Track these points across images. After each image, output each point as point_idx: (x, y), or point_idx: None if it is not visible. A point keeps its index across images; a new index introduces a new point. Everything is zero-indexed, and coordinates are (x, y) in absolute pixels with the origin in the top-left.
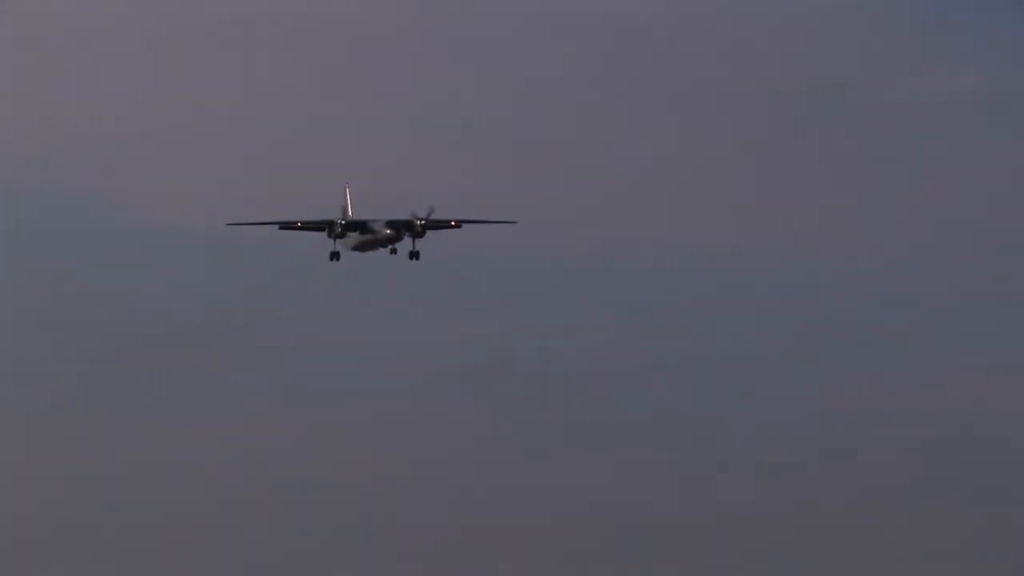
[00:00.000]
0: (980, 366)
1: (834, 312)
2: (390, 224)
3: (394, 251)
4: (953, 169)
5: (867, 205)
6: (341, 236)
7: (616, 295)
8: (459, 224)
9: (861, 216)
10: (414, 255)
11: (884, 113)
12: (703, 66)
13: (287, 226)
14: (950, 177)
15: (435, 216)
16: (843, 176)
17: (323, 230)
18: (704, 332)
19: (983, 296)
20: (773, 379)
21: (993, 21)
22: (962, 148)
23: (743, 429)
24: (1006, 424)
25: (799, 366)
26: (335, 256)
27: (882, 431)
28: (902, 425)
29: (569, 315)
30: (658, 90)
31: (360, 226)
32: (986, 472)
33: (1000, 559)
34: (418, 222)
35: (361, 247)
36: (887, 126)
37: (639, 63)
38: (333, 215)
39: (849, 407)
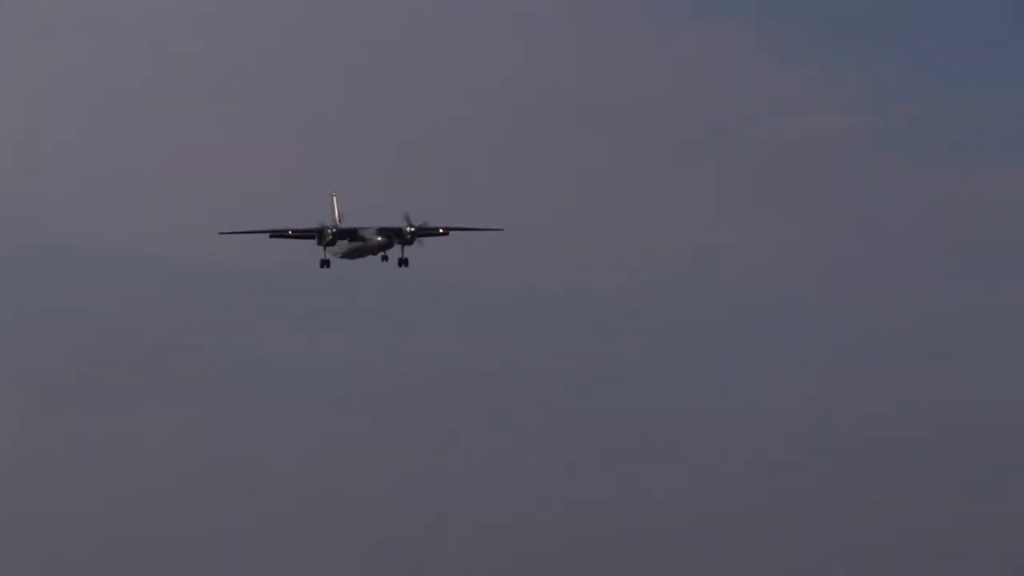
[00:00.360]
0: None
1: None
2: (381, 231)
3: (385, 258)
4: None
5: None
6: (331, 244)
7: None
8: (447, 231)
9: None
10: (403, 262)
11: (766, 150)
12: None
13: (278, 234)
14: (825, 210)
15: (425, 224)
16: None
17: (313, 238)
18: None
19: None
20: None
21: (871, 62)
22: (832, 184)
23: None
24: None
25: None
26: (325, 264)
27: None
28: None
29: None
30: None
31: (350, 234)
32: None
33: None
34: (408, 230)
35: (351, 254)
36: (769, 162)
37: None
38: (322, 224)
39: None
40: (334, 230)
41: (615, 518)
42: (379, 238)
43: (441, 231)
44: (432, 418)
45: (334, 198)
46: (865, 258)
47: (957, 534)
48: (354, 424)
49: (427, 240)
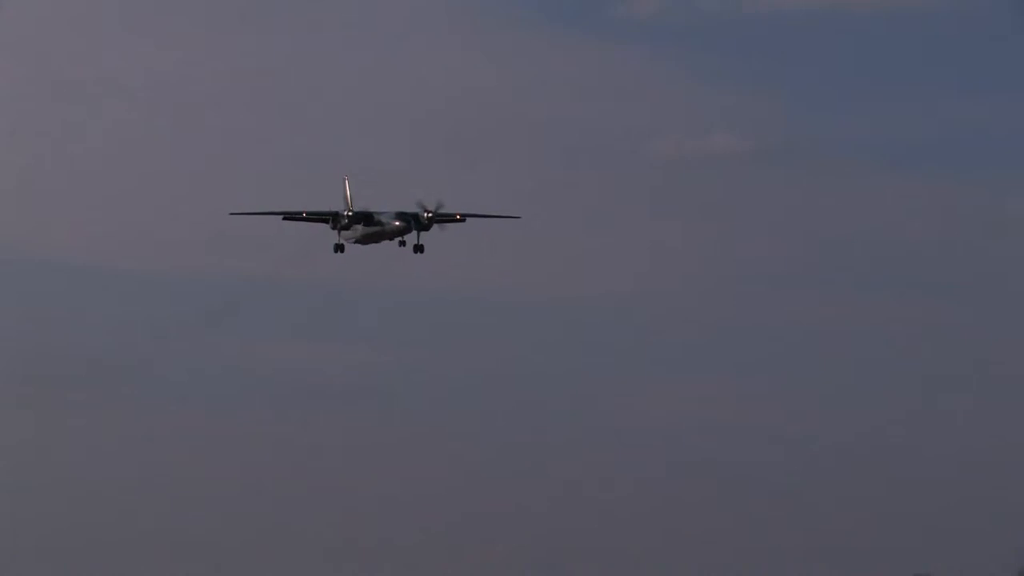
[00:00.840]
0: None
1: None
2: (399, 216)
3: (403, 243)
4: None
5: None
6: (346, 228)
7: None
8: (463, 218)
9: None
10: (419, 249)
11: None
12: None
13: (291, 216)
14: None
15: (442, 210)
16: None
17: (327, 221)
18: None
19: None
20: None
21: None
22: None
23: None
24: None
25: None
26: (339, 248)
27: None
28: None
29: None
30: None
31: (366, 218)
32: None
33: None
34: (425, 215)
35: (366, 239)
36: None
37: None
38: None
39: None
40: (350, 213)
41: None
42: (397, 223)
43: (458, 217)
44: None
45: (346, 182)
46: (760, 274)
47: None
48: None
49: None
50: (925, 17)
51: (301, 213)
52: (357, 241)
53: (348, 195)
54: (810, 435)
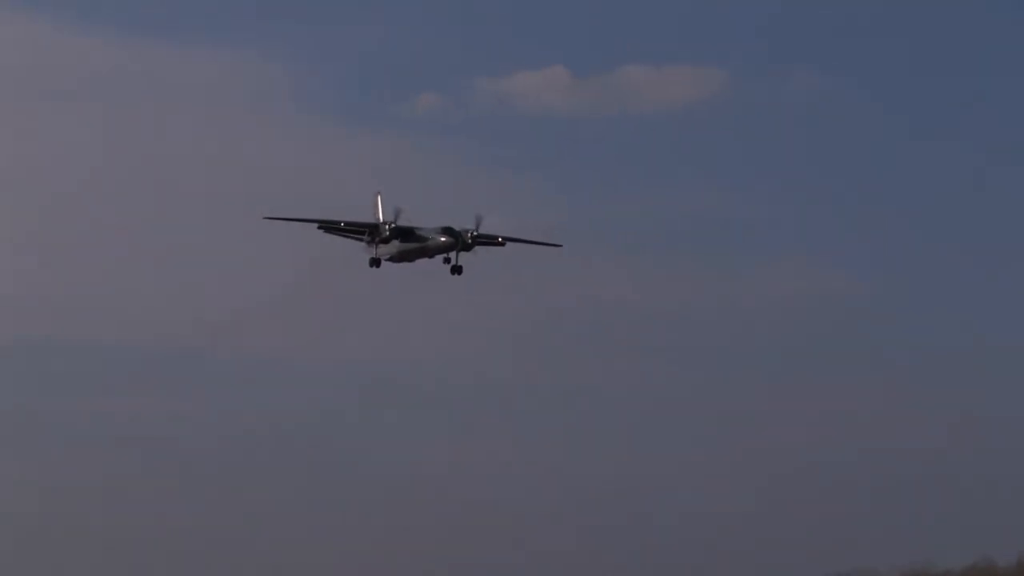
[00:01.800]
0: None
1: None
2: (447, 231)
3: (447, 260)
4: None
5: None
6: (386, 242)
7: None
8: (504, 242)
9: None
10: (456, 270)
11: None
12: None
13: (328, 225)
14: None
15: (482, 230)
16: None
17: (364, 234)
18: None
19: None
20: None
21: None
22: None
23: None
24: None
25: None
26: (375, 263)
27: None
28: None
29: None
30: None
31: (407, 233)
32: None
33: None
34: (471, 233)
35: (404, 256)
36: None
37: None
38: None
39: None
40: (392, 225)
41: None
42: (443, 238)
43: (500, 240)
44: None
45: (379, 197)
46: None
47: None
48: None
49: (481, 250)
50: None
51: (339, 223)
52: (392, 258)
53: (380, 211)
54: None
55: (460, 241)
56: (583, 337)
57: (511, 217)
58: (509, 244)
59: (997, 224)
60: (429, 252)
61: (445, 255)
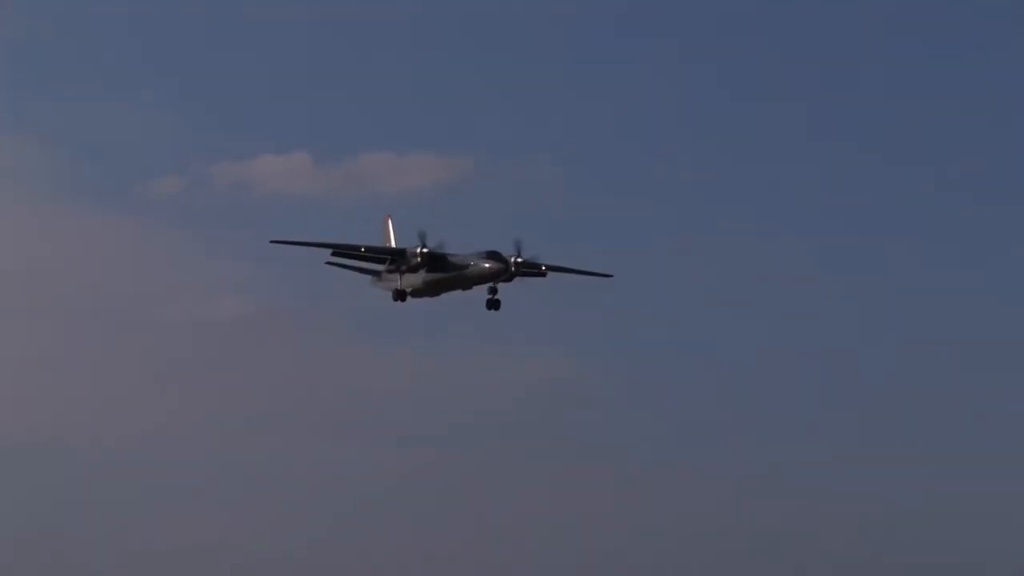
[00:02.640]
0: None
1: None
2: (492, 256)
3: (493, 291)
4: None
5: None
6: (415, 270)
7: None
8: (546, 271)
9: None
10: (494, 304)
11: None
12: None
13: (343, 251)
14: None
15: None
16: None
17: (385, 262)
18: None
19: None
20: None
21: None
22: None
23: None
24: None
25: None
26: (400, 296)
27: None
28: None
29: None
30: None
31: (439, 260)
32: None
33: None
34: (515, 260)
35: (435, 287)
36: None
37: None
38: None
39: None
40: (424, 251)
41: None
42: (487, 264)
43: (543, 269)
44: None
45: (389, 221)
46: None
47: None
48: None
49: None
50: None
51: (359, 248)
52: (416, 290)
53: (392, 237)
54: None
55: (509, 269)
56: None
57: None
58: (551, 274)
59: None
60: (468, 282)
61: (492, 284)
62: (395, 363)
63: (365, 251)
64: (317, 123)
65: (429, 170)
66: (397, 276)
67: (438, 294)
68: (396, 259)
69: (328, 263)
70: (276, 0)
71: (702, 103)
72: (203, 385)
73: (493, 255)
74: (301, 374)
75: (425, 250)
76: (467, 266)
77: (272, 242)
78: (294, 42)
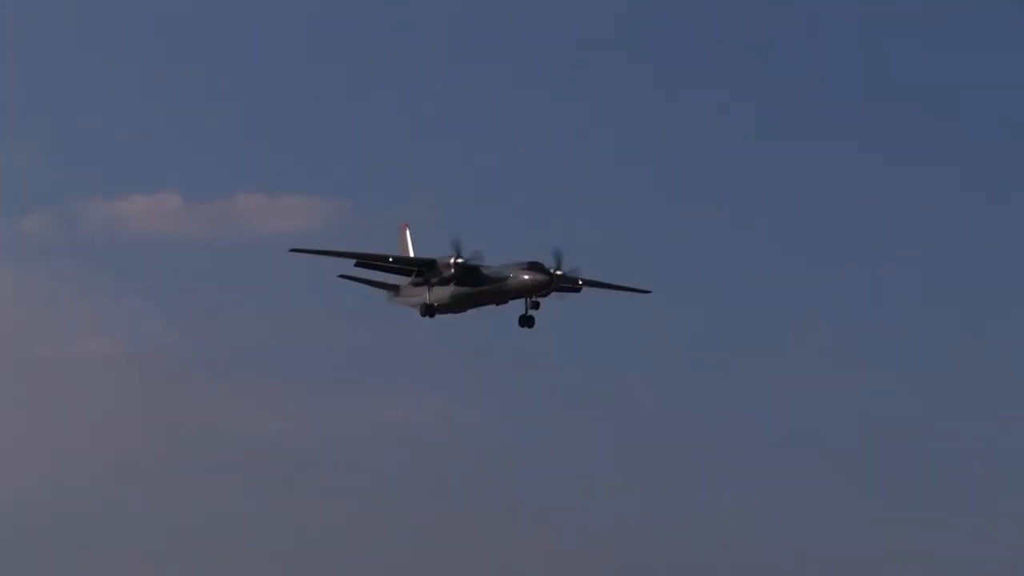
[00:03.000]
0: None
1: None
2: (535, 268)
3: (536, 306)
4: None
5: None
6: (446, 283)
7: None
8: (580, 286)
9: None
10: (528, 321)
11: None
12: None
13: (369, 261)
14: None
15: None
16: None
17: (411, 273)
18: None
19: None
20: None
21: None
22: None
23: None
24: None
25: None
26: (429, 311)
27: None
28: None
29: None
30: None
31: (471, 272)
32: None
33: None
34: (555, 272)
35: (466, 302)
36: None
37: None
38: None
39: None
40: (459, 261)
41: None
42: (526, 276)
43: (580, 283)
44: None
45: (407, 231)
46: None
47: None
48: None
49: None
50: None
51: (387, 258)
52: (443, 305)
53: (410, 247)
54: None
55: (554, 282)
56: None
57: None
58: (586, 289)
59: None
60: (505, 296)
61: (535, 299)
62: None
63: (393, 262)
64: (189, 162)
65: (303, 212)
66: (424, 290)
67: (465, 309)
68: (425, 271)
69: (342, 276)
70: (148, 36)
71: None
72: (70, 425)
73: (535, 266)
74: (173, 415)
75: (460, 260)
76: (505, 278)
77: (292, 250)
78: (167, 79)
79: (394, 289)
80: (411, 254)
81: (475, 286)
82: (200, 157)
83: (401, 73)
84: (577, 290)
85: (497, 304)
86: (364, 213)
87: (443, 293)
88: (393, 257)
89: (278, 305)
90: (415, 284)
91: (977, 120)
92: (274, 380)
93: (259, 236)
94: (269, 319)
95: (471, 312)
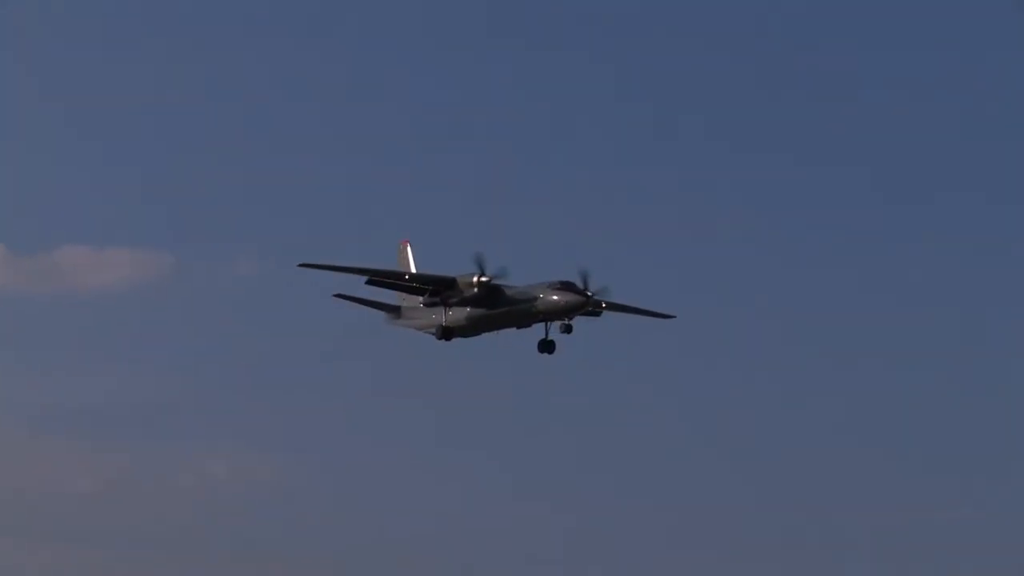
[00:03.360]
0: None
1: None
2: (568, 288)
3: (568, 329)
4: None
5: None
6: (466, 304)
7: None
8: (600, 310)
9: None
10: (548, 347)
11: None
12: None
13: (382, 279)
14: None
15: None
16: None
17: (425, 293)
18: None
19: None
20: None
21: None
22: None
23: None
24: None
25: None
26: (446, 334)
27: None
28: None
29: None
30: None
31: (493, 292)
32: None
33: None
34: (590, 295)
35: (479, 324)
36: None
37: None
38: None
39: None
40: (483, 280)
41: None
42: (556, 297)
43: (603, 306)
44: None
45: (408, 247)
46: None
47: None
48: None
49: (575, 320)
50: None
51: (403, 275)
52: (457, 327)
53: (411, 263)
54: None
55: (589, 304)
56: None
57: None
58: (606, 313)
59: None
60: (531, 318)
61: (566, 321)
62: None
63: (409, 279)
64: (14, 212)
65: (128, 265)
66: (440, 310)
67: (479, 333)
68: (442, 290)
69: (337, 296)
70: None
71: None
72: None
73: (568, 286)
74: None
75: (484, 279)
76: (533, 299)
77: (301, 265)
78: None
79: (394, 311)
80: (413, 270)
81: (497, 307)
82: (26, 207)
83: (232, 121)
84: (598, 314)
85: (518, 328)
86: (188, 268)
87: (459, 315)
88: (410, 274)
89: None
90: (428, 304)
91: None
92: (95, 438)
93: (83, 290)
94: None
95: (485, 336)
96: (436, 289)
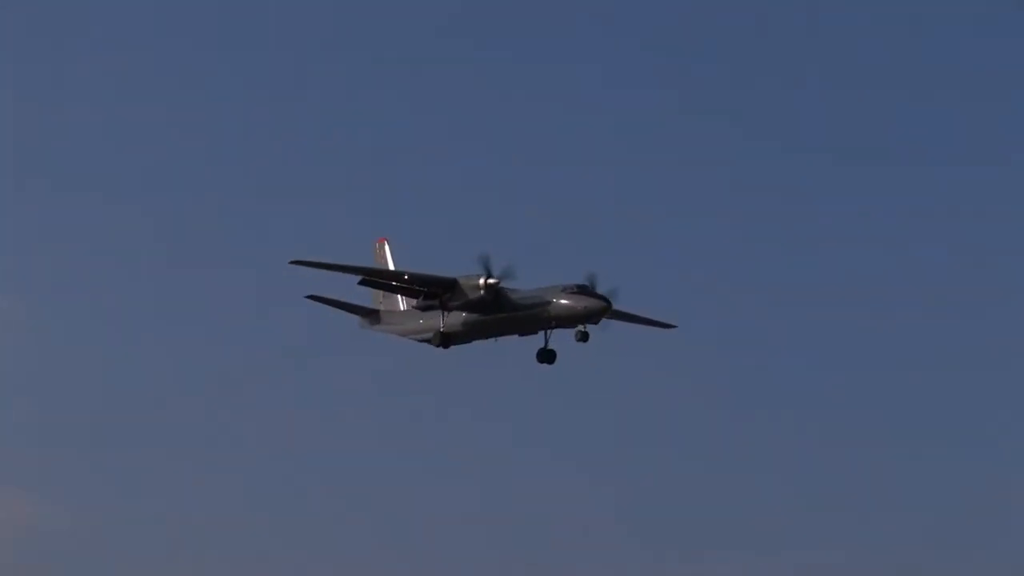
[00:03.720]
0: None
1: None
2: (584, 292)
3: (584, 337)
4: None
5: None
6: (469, 308)
7: None
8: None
9: None
10: (548, 356)
11: None
12: None
13: (376, 279)
14: None
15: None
16: None
17: (420, 295)
18: None
19: None
20: None
21: None
22: None
23: None
24: None
25: None
26: (445, 341)
27: None
28: None
29: None
30: None
31: (497, 296)
32: None
33: None
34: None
35: (474, 330)
36: None
37: None
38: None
39: None
40: (490, 282)
41: None
42: (568, 301)
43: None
44: None
45: (386, 245)
46: None
47: None
48: None
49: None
50: None
51: (401, 275)
52: (459, 335)
53: (390, 263)
54: None
55: (610, 307)
56: None
57: None
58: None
59: None
60: (539, 325)
61: (582, 328)
62: None
63: (408, 279)
64: None
65: None
66: (436, 315)
67: (473, 339)
68: (440, 292)
69: (310, 297)
70: None
71: None
72: None
73: (584, 290)
74: None
75: (491, 281)
76: (544, 303)
77: (292, 262)
78: None
79: (371, 314)
80: (392, 269)
81: (500, 312)
82: None
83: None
84: (596, 321)
85: (521, 335)
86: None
87: (455, 319)
88: (408, 274)
89: None
90: (422, 308)
91: None
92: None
93: None
94: None
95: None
96: (433, 292)
